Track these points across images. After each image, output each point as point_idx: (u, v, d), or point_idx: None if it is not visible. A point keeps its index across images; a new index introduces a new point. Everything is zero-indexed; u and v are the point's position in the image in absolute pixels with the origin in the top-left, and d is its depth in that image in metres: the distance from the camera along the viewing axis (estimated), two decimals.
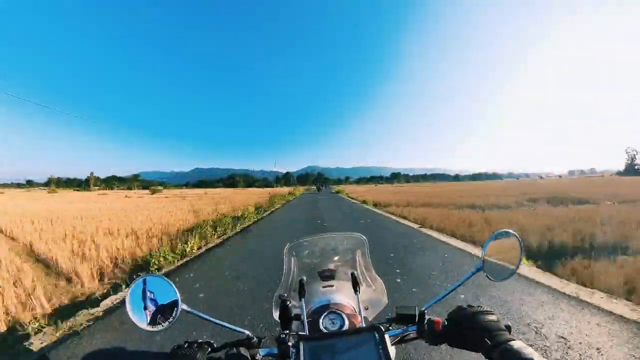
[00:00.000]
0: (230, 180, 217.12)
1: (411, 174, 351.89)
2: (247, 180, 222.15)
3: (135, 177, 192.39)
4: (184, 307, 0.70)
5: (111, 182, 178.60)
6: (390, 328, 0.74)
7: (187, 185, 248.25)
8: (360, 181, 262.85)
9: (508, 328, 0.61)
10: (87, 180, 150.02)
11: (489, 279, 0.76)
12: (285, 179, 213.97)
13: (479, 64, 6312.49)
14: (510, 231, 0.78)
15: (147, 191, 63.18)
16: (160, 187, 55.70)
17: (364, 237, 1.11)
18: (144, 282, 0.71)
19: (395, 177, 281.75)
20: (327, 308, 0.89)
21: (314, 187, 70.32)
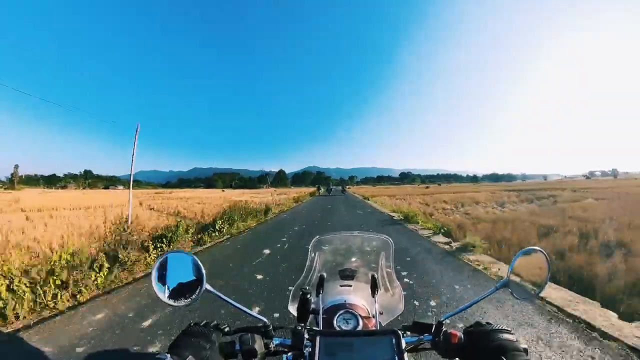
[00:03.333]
0: (215, 179, 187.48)
1: (419, 175, 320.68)
2: (233, 179, 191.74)
3: (87, 173, 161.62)
4: (207, 286, 0.73)
5: (57, 180, 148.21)
6: (405, 335, 0.74)
7: (166, 185, 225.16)
8: (367, 181, 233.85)
9: (525, 351, 0.60)
10: (12, 177, 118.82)
11: (514, 296, 0.76)
12: (278, 179, 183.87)
13: (487, 64, 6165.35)
14: (538, 248, 0.78)
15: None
16: None
17: (391, 240, 1.13)
18: (172, 257, 0.74)
19: (406, 177, 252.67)
20: (343, 307, 0.92)
21: (312, 190, 46.43)
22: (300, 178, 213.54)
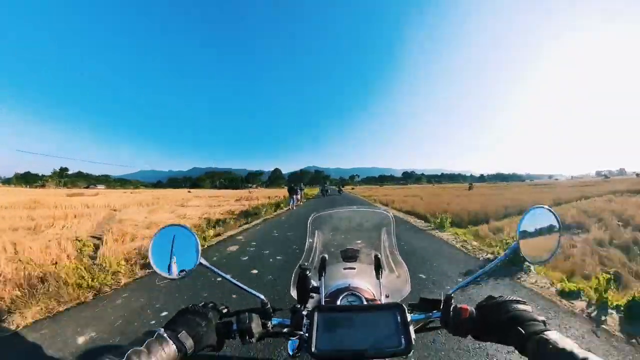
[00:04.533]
0: (203, 178, 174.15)
1: (423, 174, 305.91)
2: (220, 178, 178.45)
3: (62, 170, 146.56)
4: (202, 261, 0.74)
5: (34, 178, 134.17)
6: (412, 313, 0.71)
7: (156, 185, 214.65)
8: (369, 181, 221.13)
9: (543, 322, 0.57)
10: None
11: (526, 260, 0.74)
12: (273, 178, 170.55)
13: (487, 64, 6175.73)
14: (546, 207, 0.74)
15: None
16: None
17: (391, 215, 1.11)
18: (169, 230, 0.76)
19: (409, 177, 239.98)
20: (347, 290, 0.88)
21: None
22: (298, 177, 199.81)
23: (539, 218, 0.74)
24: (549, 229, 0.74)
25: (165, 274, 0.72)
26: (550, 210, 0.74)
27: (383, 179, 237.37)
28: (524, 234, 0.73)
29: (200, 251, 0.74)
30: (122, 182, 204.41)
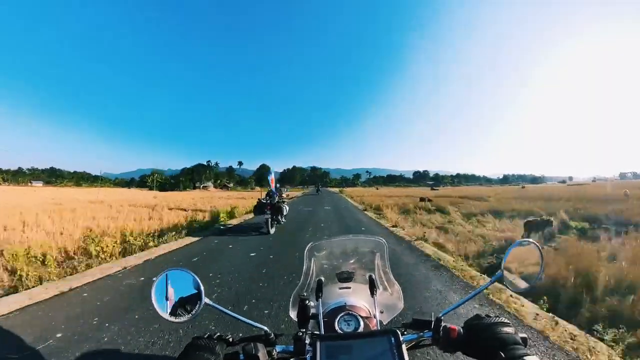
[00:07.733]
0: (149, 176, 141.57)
1: (437, 174, 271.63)
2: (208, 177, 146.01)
3: (13, 168, 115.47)
4: (207, 300, 0.75)
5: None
6: (405, 333, 0.76)
7: (130, 182, 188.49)
8: (377, 182, 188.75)
9: (524, 341, 0.62)
10: None
11: (508, 288, 0.81)
12: (258, 178, 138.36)
13: (497, 62, 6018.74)
14: (531, 240, 0.81)
15: None
16: None
17: (384, 241, 1.17)
18: (170, 274, 0.77)
19: (421, 178, 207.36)
20: (343, 309, 0.93)
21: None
22: (290, 175, 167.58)
23: (524, 250, 0.81)
24: (532, 261, 0.80)
25: (172, 319, 0.74)
26: (536, 244, 0.80)
27: (393, 180, 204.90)
28: (508, 264, 0.81)
29: (203, 292, 0.76)
30: (97, 178, 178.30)
